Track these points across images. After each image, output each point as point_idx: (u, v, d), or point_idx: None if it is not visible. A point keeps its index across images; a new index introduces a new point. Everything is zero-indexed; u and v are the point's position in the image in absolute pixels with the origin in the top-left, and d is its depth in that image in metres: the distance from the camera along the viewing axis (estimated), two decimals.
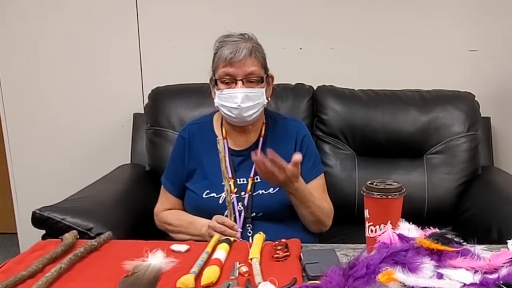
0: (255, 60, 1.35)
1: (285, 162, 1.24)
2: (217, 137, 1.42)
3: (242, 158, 1.44)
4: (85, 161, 2.15)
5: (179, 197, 1.48)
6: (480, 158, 1.81)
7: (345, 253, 1.04)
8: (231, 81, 1.35)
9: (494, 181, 1.76)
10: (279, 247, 1.03)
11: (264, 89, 1.39)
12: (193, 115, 1.75)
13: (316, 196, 1.43)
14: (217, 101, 1.38)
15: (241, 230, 1.33)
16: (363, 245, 1.03)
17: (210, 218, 1.35)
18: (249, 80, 1.35)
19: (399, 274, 0.77)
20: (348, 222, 1.63)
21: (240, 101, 1.33)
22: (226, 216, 1.34)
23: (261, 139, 1.45)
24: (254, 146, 1.44)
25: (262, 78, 1.37)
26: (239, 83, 1.34)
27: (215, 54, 1.38)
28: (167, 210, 1.48)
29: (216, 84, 1.37)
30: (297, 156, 1.24)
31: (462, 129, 1.77)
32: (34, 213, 1.34)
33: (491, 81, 2.04)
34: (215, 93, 1.40)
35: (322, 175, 1.49)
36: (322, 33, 2.03)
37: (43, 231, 1.35)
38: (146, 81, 2.09)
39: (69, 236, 1.09)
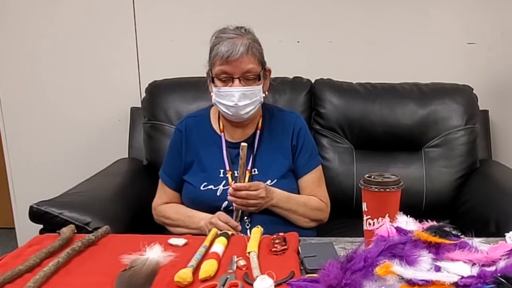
0: (252, 57, 1.34)
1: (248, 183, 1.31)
2: (215, 131, 1.44)
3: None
4: (83, 156, 2.14)
5: (177, 190, 1.47)
6: (478, 151, 1.81)
7: (343, 246, 1.04)
8: (227, 79, 1.34)
9: (492, 174, 1.76)
10: (277, 241, 1.03)
11: (261, 86, 1.38)
12: (190, 109, 1.74)
13: (311, 189, 1.43)
14: (214, 98, 1.37)
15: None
16: (361, 239, 1.03)
17: (208, 211, 1.35)
18: (246, 78, 1.34)
19: (397, 267, 0.77)
20: (346, 216, 1.64)
21: (237, 99, 1.32)
22: (225, 207, 1.34)
23: (258, 131, 1.45)
24: (252, 138, 1.44)
25: (259, 75, 1.37)
26: (236, 81, 1.33)
27: (211, 49, 1.37)
28: (165, 204, 1.48)
29: (213, 81, 1.37)
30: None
31: (460, 122, 1.77)
32: (31, 208, 1.34)
33: (489, 74, 2.03)
34: (212, 86, 1.39)
35: (319, 167, 1.49)
36: (319, 26, 2.02)
37: (41, 226, 1.35)
38: (143, 75, 2.07)
39: (66, 231, 1.09)
